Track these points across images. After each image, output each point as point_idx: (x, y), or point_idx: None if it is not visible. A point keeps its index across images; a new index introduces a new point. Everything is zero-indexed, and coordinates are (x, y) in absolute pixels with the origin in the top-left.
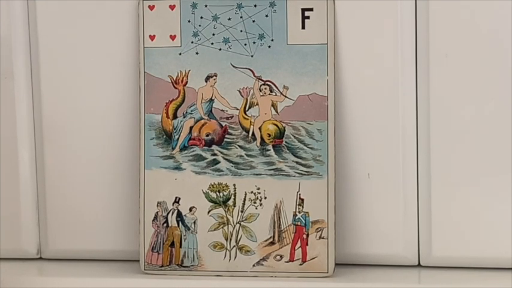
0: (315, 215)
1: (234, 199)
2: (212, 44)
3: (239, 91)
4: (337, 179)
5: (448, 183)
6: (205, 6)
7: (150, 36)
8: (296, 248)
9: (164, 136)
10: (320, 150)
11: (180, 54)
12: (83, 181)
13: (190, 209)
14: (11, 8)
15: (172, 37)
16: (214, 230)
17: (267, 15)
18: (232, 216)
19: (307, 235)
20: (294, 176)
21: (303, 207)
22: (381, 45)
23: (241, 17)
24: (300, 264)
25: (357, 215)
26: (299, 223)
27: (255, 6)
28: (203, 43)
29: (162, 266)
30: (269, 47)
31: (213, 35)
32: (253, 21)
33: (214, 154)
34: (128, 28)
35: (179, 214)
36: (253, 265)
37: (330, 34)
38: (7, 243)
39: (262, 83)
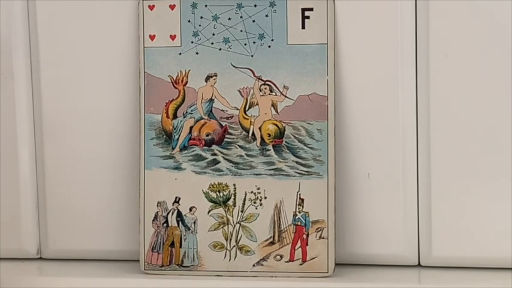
0: (315, 215)
1: (234, 199)
2: (212, 43)
3: (239, 91)
4: (337, 179)
5: (448, 183)
6: (205, 6)
7: (150, 36)
8: (296, 248)
9: (164, 136)
10: (320, 150)
11: (180, 54)
12: (82, 181)
13: (190, 209)
14: (11, 8)
15: (172, 37)
16: (214, 230)
17: (267, 15)
18: (232, 216)
19: (307, 235)
20: (294, 176)
21: (303, 207)
22: (380, 45)
23: (241, 17)
24: (300, 264)
25: (357, 215)
26: (299, 223)
27: (255, 6)
28: (203, 43)
29: (162, 266)
30: (269, 47)
31: (213, 34)
32: (253, 21)
33: (214, 154)
34: (128, 28)
35: (179, 214)
36: (253, 265)
37: (330, 34)
38: (7, 243)
39: (262, 82)
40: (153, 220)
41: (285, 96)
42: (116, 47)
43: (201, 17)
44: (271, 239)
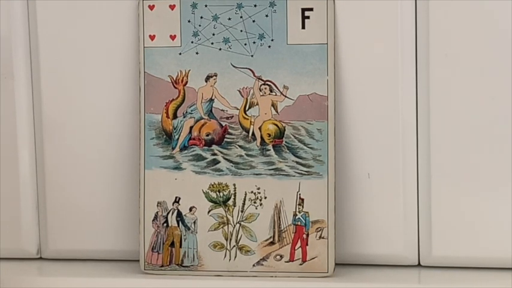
0: (315, 215)
1: (234, 199)
2: (212, 43)
3: (239, 91)
4: (337, 179)
5: (448, 183)
6: (205, 6)
7: (150, 36)
8: (296, 248)
9: (164, 136)
10: (320, 150)
11: (180, 54)
12: (83, 181)
13: (190, 209)
14: (11, 8)
15: (172, 37)
16: (214, 230)
17: (267, 15)
18: (232, 216)
19: (307, 235)
20: (294, 176)
21: (303, 207)
22: (380, 45)
23: (241, 17)
24: (300, 264)
25: (357, 215)
26: (299, 223)
27: (255, 6)
28: (203, 43)
29: (162, 266)
30: (269, 47)
31: (213, 34)
32: (253, 21)
33: (214, 154)
34: (128, 28)
35: (179, 214)
36: (253, 265)
37: (330, 34)
38: (7, 243)
39: (262, 82)
40: (153, 220)
41: (285, 96)
42: (116, 47)
43: (201, 17)
44: (271, 239)
